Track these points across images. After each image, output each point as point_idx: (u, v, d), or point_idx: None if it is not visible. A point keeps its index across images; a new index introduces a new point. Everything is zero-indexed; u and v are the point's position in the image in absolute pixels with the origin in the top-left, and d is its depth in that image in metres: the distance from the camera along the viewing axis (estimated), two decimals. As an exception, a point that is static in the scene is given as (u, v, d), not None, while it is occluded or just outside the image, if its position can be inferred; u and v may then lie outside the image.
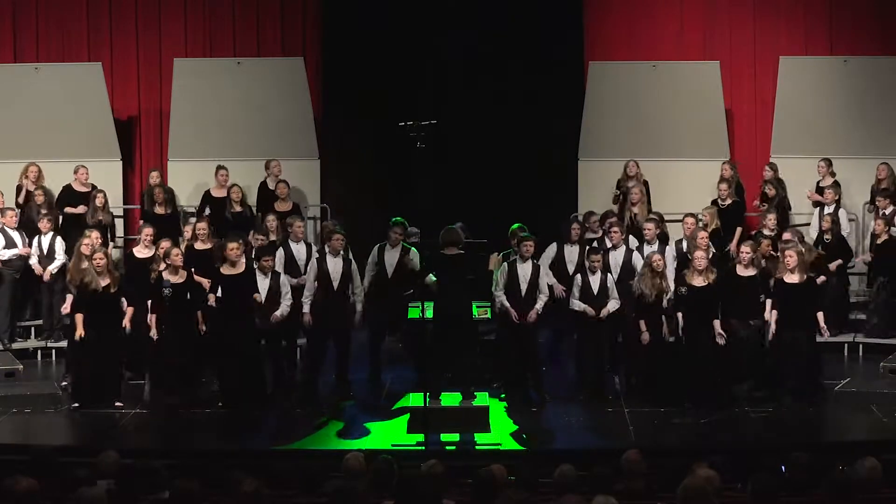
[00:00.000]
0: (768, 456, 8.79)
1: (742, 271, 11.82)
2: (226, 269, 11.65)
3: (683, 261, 12.16)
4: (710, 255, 11.98)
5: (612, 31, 15.97)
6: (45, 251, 13.51)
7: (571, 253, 12.35)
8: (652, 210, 13.80)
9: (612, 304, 11.82)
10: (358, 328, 12.25)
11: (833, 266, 13.14)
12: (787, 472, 7.89)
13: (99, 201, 13.96)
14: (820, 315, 11.59)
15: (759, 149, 15.43)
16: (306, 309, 11.85)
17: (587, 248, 12.21)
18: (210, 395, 11.86)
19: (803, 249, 12.11)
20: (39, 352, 13.74)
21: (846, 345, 13.52)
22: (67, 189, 14.40)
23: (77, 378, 11.77)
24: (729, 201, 14.12)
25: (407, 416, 10.85)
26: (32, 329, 13.99)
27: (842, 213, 14.00)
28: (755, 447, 10.27)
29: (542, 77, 15.61)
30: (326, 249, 11.95)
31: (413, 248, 12.29)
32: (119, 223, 15.01)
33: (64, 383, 12.17)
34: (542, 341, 12.24)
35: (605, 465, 7.64)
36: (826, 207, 14.00)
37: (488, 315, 11.67)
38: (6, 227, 13.55)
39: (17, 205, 14.25)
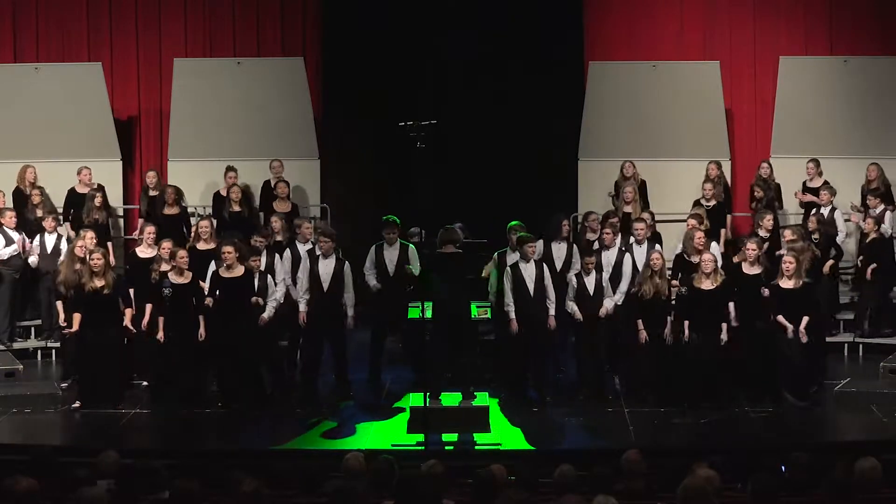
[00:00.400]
0: (768, 456, 8.81)
1: (748, 269, 11.79)
2: (224, 272, 11.65)
3: (684, 261, 12.15)
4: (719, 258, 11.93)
5: (612, 31, 15.96)
6: (49, 250, 13.48)
7: (559, 250, 12.31)
8: (649, 210, 13.76)
9: (609, 303, 11.83)
10: (351, 328, 12.19)
11: (826, 267, 13.09)
12: (787, 472, 7.89)
13: (97, 201, 13.95)
14: (805, 319, 11.45)
15: (759, 149, 15.40)
16: (303, 308, 11.87)
17: (580, 251, 12.23)
18: (210, 395, 11.85)
19: (805, 245, 12.10)
20: (39, 352, 13.73)
21: (846, 345, 13.53)
22: (72, 193, 14.39)
23: (83, 379, 11.75)
24: (714, 202, 14.04)
25: (407, 415, 10.85)
26: (32, 329, 13.98)
27: (837, 215, 13.96)
28: (755, 447, 10.27)
29: (542, 77, 15.59)
30: (318, 251, 11.96)
31: (411, 246, 12.30)
32: (119, 223, 15.00)
33: (64, 384, 12.17)
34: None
35: (605, 465, 7.66)
36: (823, 209, 13.96)
37: (488, 315, 11.68)
38: (6, 228, 13.54)
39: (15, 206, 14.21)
